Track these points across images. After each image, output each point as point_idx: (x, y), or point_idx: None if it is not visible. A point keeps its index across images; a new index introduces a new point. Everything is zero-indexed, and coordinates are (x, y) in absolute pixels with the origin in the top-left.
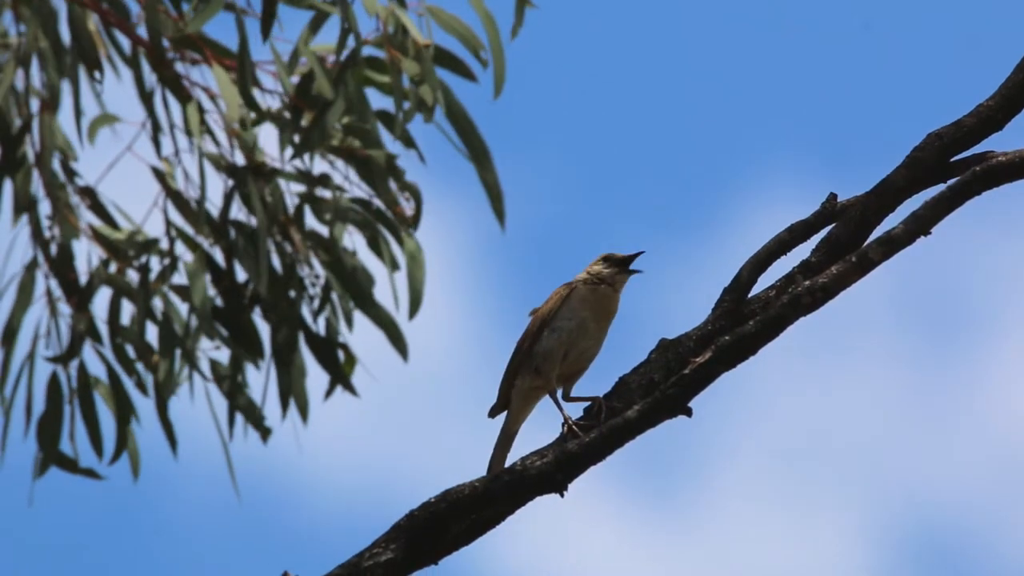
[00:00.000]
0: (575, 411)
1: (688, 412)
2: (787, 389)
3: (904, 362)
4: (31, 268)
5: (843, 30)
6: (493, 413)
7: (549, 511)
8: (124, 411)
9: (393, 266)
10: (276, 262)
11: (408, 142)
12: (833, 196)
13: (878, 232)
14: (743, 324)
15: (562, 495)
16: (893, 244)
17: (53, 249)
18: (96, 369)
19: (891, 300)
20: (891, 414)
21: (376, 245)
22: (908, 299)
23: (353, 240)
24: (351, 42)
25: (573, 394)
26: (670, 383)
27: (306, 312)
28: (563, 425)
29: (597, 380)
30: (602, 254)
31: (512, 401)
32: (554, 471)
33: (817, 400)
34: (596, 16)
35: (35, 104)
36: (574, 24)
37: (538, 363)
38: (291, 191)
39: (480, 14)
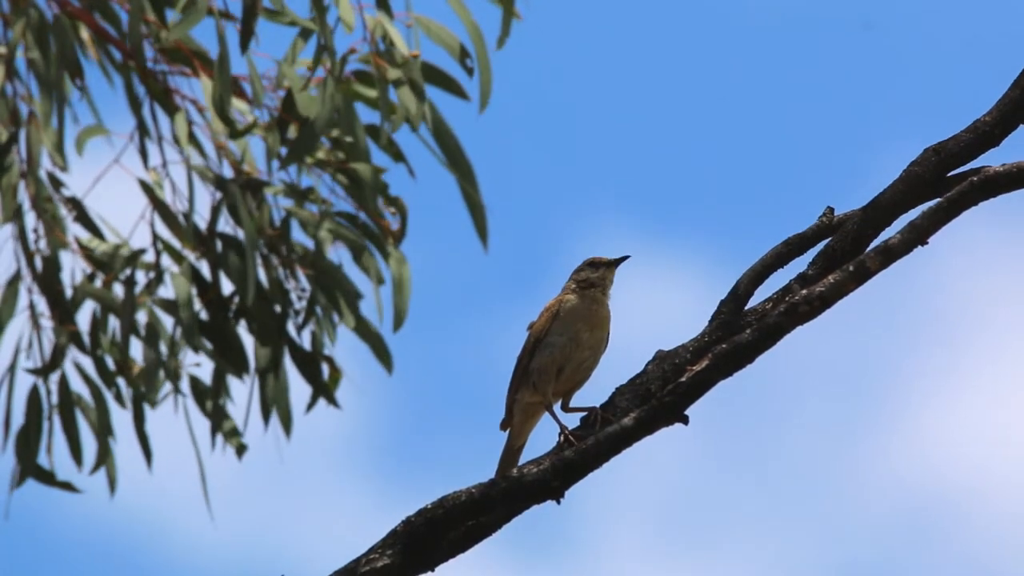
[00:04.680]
0: (572, 422)
1: (684, 420)
2: (682, 446)
3: (817, 422)
4: (15, 281)
5: (843, 30)
6: (504, 426)
7: None
8: (104, 425)
9: (378, 280)
10: (262, 275)
11: (397, 156)
12: (830, 210)
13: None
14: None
15: (558, 502)
16: (891, 253)
17: (38, 262)
18: (78, 383)
19: (802, 360)
20: (803, 472)
21: (361, 259)
22: (820, 360)
23: (339, 254)
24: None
25: (572, 405)
26: (667, 391)
27: (291, 326)
28: (559, 435)
29: (594, 391)
30: (586, 260)
31: (514, 416)
32: (551, 478)
33: (723, 457)
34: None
35: (25, 112)
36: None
37: (535, 379)
38: (278, 205)
39: (467, 26)
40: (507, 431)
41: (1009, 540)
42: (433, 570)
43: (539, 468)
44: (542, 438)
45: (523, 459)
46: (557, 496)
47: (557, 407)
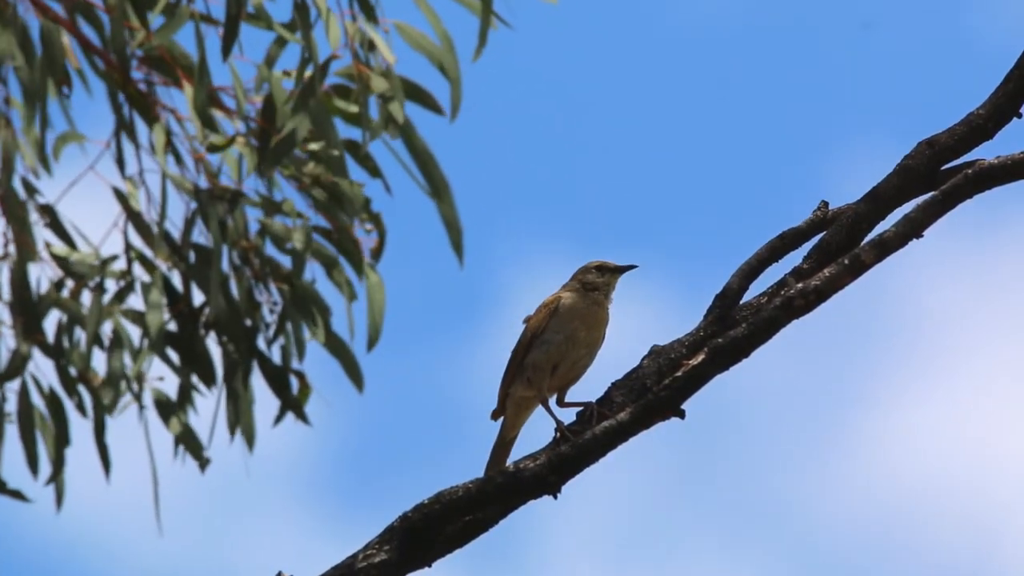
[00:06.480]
0: (568, 417)
1: (681, 414)
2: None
3: (781, 436)
4: None
5: (843, 30)
6: (495, 416)
7: None
8: (61, 435)
9: (351, 297)
10: (234, 288)
11: (374, 171)
12: (824, 204)
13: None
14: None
15: (555, 497)
16: (886, 246)
17: (4, 269)
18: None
19: (770, 374)
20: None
21: (334, 275)
22: (785, 373)
23: (313, 271)
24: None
25: (567, 399)
26: (663, 385)
27: (261, 339)
28: (555, 431)
29: (591, 386)
30: (594, 262)
31: (508, 409)
32: (547, 473)
33: (684, 473)
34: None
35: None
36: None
37: (529, 375)
38: (254, 218)
39: (440, 36)
40: (498, 422)
41: (977, 546)
42: (430, 566)
43: (535, 463)
44: (537, 433)
45: (515, 454)
46: (554, 491)
47: (552, 402)
